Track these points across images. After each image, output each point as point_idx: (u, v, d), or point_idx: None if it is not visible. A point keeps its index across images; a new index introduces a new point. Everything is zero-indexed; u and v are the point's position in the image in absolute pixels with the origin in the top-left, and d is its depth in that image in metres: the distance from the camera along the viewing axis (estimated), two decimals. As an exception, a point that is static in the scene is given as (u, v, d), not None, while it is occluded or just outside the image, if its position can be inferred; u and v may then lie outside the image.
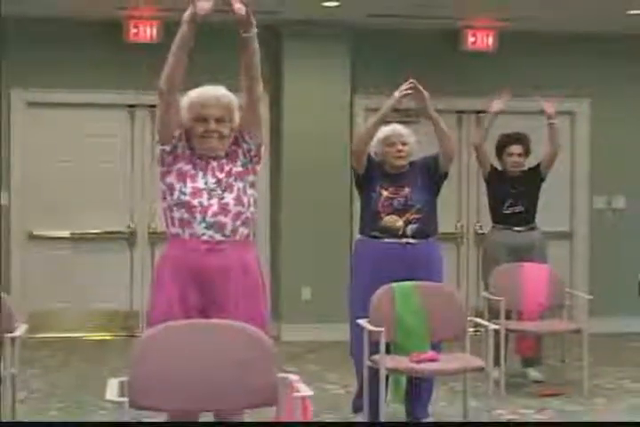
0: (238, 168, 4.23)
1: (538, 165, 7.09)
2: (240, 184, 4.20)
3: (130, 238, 8.84)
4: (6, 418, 4.84)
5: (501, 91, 7.17)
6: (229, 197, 4.15)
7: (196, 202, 4.12)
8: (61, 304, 8.71)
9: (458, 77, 9.04)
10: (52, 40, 8.58)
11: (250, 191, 4.22)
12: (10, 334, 4.87)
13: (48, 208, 8.69)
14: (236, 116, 4.25)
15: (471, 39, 8.89)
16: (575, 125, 9.37)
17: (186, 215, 4.12)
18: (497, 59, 8.98)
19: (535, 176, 7.06)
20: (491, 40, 8.89)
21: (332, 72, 8.79)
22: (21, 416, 5.03)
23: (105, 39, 8.59)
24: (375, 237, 5.47)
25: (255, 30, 4.13)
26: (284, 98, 8.74)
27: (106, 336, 8.77)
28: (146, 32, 8.47)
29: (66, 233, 8.71)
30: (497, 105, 7.17)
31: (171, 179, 4.18)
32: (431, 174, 5.58)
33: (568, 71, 9.19)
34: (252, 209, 4.21)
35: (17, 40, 8.44)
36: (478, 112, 9.26)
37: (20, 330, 4.99)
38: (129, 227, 8.80)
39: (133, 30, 8.47)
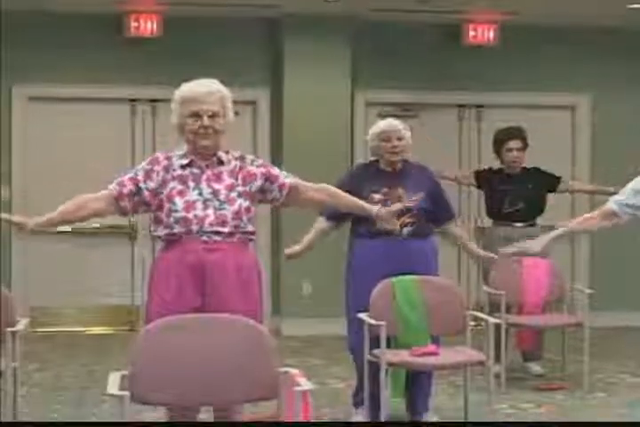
0: (248, 189, 4.17)
1: (558, 179, 7.05)
2: (245, 202, 4.14)
3: (131, 233, 8.85)
4: (8, 413, 4.85)
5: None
6: (229, 210, 4.10)
7: (191, 215, 4.08)
8: (62, 299, 8.73)
9: (459, 71, 9.03)
10: (53, 35, 8.58)
11: (252, 212, 4.17)
12: (11, 329, 4.87)
13: (49, 203, 8.67)
14: (230, 111, 4.22)
15: (472, 33, 8.88)
16: (576, 120, 9.37)
17: (181, 229, 4.09)
18: (498, 53, 8.98)
19: (544, 182, 7.00)
20: (492, 34, 8.88)
21: (333, 66, 8.79)
22: (23, 410, 5.03)
23: (106, 33, 8.59)
24: (370, 237, 5.45)
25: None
26: (284, 91, 8.74)
27: (107, 331, 8.78)
28: (146, 26, 8.46)
29: (67, 227, 8.71)
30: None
31: (153, 214, 4.18)
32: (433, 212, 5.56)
33: (569, 65, 9.18)
34: (249, 227, 4.17)
35: (17, 35, 8.42)
36: (479, 106, 9.28)
37: (21, 324, 4.99)
38: (130, 221, 8.80)
39: (134, 24, 8.46)
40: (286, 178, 4.28)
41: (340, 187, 5.54)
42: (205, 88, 4.16)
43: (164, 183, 4.14)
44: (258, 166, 4.24)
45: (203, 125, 4.11)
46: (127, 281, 8.81)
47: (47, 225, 4.38)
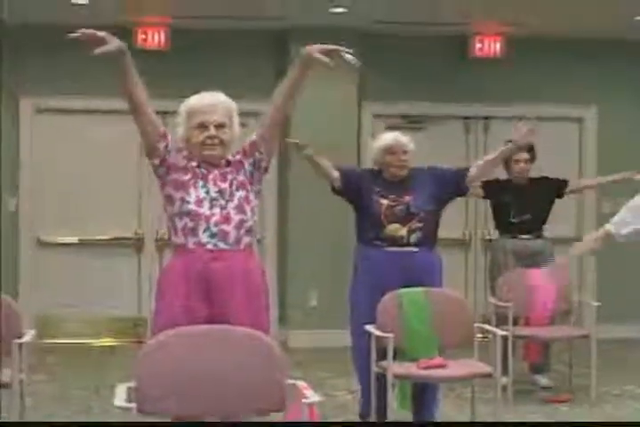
0: (241, 177, 4.20)
1: (564, 183, 7.03)
2: (242, 193, 4.17)
3: (137, 244, 8.86)
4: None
5: None
6: (231, 206, 4.13)
7: (200, 211, 4.11)
8: (69, 310, 8.73)
9: (465, 84, 9.04)
10: (62, 47, 8.52)
11: (254, 201, 4.20)
12: (18, 340, 4.87)
13: (56, 214, 8.71)
14: (236, 123, 4.24)
15: (478, 46, 8.90)
16: (582, 131, 9.37)
17: (190, 224, 4.10)
18: (504, 65, 8.98)
19: (551, 189, 7.00)
20: (498, 46, 8.90)
21: (340, 78, 8.78)
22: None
23: (113, 46, 8.60)
24: (377, 245, 5.45)
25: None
26: (291, 104, 8.74)
27: (114, 342, 8.78)
28: (154, 38, 8.48)
29: (74, 239, 8.72)
30: None
31: (168, 190, 4.17)
32: (450, 188, 5.50)
33: (576, 77, 9.18)
34: (254, 218, 4.20)
35: (26, 47, 8.45)
36: (485, 118, 9.29)
37: (29, 336, 4.99)
38: (136, 233, 8.81)
39: (141, 36, 8.48)
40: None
41: (352, 170, 5.72)
42: (211, 100, 4.19)
43: (180, 169, 4.15)
44: (241, 153, 4.26)
45: (209, 136, 4.14)
46: (134, 292, 8.81)
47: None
